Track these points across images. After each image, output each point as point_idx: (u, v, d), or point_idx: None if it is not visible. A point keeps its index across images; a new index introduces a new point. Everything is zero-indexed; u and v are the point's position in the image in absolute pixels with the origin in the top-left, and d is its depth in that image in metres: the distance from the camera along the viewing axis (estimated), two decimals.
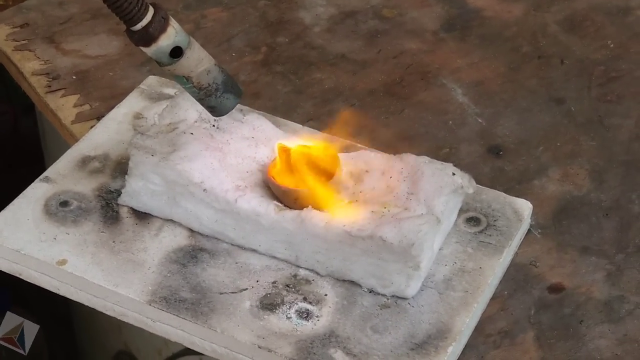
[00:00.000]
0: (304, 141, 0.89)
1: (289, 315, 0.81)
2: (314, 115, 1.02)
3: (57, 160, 0.92)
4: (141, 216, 0.88)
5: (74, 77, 1.07)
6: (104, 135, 0.95)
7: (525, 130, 1.01)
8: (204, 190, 0.84)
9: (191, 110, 0.89)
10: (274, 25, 1.15)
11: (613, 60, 1.10)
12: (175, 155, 0.85)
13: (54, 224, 0.87)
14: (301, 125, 0.96)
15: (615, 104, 1.05)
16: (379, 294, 0.82)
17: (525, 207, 0.90)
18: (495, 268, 0.85)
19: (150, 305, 0.81)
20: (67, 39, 1.12)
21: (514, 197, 0.90)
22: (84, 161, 0.92)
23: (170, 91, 0.99)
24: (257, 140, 0.89)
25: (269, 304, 0.81)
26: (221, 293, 0.82)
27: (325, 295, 0.82)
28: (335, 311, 0.81)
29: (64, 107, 1.03)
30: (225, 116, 0.88)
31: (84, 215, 0.88)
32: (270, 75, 1.08)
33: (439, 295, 0.82)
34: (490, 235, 0.87)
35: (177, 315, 0.81)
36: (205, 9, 1.16)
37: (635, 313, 0.84)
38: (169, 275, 0.83)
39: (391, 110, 1.04)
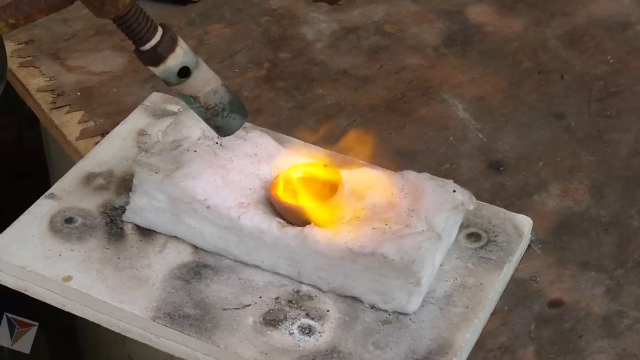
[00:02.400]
0: (306, 158, 0.90)
1: (291, 331, 0.81)
2: (316, 131, 1.03)
3: (62, 177, 0.93)
4: (145, 233, 0.89)
5: (78, 93, 1.08)
6: (109, 152, 0.96)
7: (526, 145, 1.02)
8: (208, 207, 0.85)
9: (194, 127, 0.90)
10: (276, 41, 1.16)
11: (613, 75, 1.11)
12: (179, 173, 0.86)
13: (59, 240, 0.88)
14: (304, 142, 0.96)
15: (614, 119, 1.05)
16: (380, 309, 0.83)
17: (525, 222, 0.90)
18: (496, 283, 0.86)
19: (154, 321, 0.82)
20: (71, 55, 1.13)
21: (514, 213, 0.91)
22: (89, 178, 0.93)
23: (174, 108, 1.00)
24: (260, 158, 0.90)
25: (271, 320, 0.82)
26: (224, 309, 0.83)
27: (328, 311, 0.83)
28: (337, 327, 0.82)
29: (68, 123, 1.04)
30: None
31: (89, 232, 0.89)
32: (273, 91, 1.09)
33: (440, 310, 0.83)
34: (490, 251, 0.88)
35: (181, 332, 0.81)
36: (208, 25, 1.17)
37: (634, 328, 0.85)
38: (173, 291, 0.84)
39: (392, 125, 1.04)
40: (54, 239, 0.88)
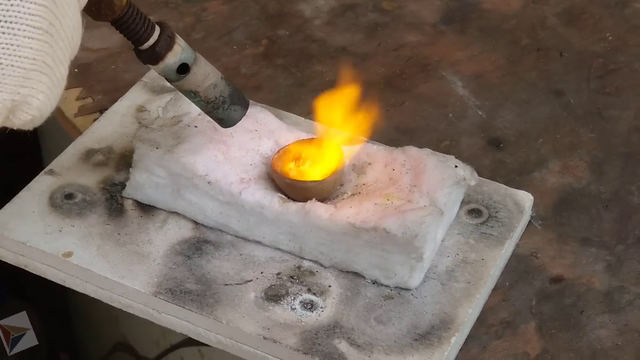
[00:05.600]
0: (307, 134, 0.90)
1: (293, 307, 0.81)
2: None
3: (62, 153, 0.93)
4: (146, 208, 0.88)
5: (76, 70, 1.07)
6: (108, 128, 0.96)
7: (525, 122, 1.02)
8: (208, 182, 0.85)
9: None
10: (274, 18, 1.15)
11: (612, 52, 1.11)
12: (179, 148, 0.86)
13: (59, 216, 0.87)
14: (303, 118, 0.96)
15: (614, 96, 1.05)
16: (382, 285, 0.83)
17: (526, 198, 0.90)
18: (497, 259, 0.85)
19: (155, 296, 0.82)
20: None
21: (515, 189, 0.91)
22: (88, 154, 0.93)
23: None
24: (261, 133, 0.89)
25: (273, 295, 0.82)
26: (226, 284, 0.83)
27: (329, 286, 0.83)
28: (339, 302, 0.82)
29: (66, 100, 1.03)
30: None
31: (89, 208, 0.88)
32: (272, 68, 1.08)
33: (441, 286, 0.83)
34: (491, 227, 0.88)
35: (182, 307, 0.81)
36: (206, 1, 1.17)
37: (635, 303, 0.85)
38: (174, 267, 0.84)
39: (391, 102, 1.04)
40: (54, 215, 0.87)
